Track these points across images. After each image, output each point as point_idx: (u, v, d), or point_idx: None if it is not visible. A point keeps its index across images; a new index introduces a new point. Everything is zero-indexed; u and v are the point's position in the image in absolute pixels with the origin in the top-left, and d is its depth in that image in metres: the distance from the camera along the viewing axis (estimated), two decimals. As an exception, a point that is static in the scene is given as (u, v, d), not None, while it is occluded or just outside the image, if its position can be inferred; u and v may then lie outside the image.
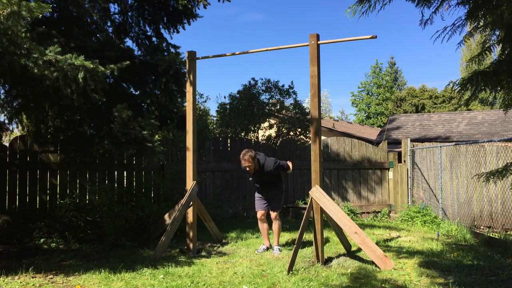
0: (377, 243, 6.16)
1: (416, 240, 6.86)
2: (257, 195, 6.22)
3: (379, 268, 4.92)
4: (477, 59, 4.60)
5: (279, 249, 6.03)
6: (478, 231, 6.87)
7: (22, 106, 6.18)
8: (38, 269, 4.87)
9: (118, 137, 5.93)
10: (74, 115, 6.25)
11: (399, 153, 10.12)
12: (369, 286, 4.27)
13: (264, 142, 11.78)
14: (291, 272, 4.77)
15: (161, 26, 7.74)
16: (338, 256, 5.67)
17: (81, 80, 4.77)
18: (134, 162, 8.00)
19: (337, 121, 28.96)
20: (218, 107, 12.96)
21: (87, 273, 4.72)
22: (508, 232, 6.77)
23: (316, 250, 5.27)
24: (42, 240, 6.51)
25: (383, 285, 4.33)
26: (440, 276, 4.58)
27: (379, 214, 9.85)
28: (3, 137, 7.29)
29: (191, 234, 6.02)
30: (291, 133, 12.12)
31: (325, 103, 49.14)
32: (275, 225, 6.09)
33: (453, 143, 8.20)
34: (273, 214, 6.09)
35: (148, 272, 4.83)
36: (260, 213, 6.16)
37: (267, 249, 6.11)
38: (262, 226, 6.20)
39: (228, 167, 9.22)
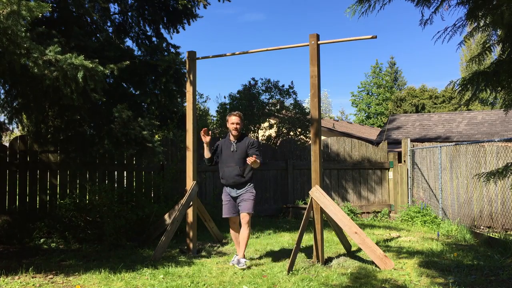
0: (377, 243, 6.16)
1: (416, 240, 6.86)
2: (225, 198, 5.36)
3: (379, 268, 4.92)
4: (477, 59, 4.60)
5: (244, 261, 5.08)
6: (478, 231, 6.87)
7: (22, 106, 6.18)
8: (38, 269, 4.87)
9: (118, 137, 5.93)
10: (74, 115, 6.25)
11: (399, 153, 10.13)
12: (369, 286, 4.26)
13: (264, 142, 11.79)
14: (291, 272, 4.77)
15: (161, 26, 7.74)
16: (338, 256, 5.66)
17: (80, 79, 4.76)
18: (134, 162, 8.00)
19: (337, 121, 28.97)
20: (218, 107, 12.98)
21: (87, 273, 4.72)
22: (508, 232, 6.77)
23: (316, 250, 5.27)
24: (42, 240, 6.51)
25: (383, 285, 4.33)
26: (440, 276, 4.58)
27: (379, 214, 9.86)
28: (3, 137, 7.28)
29: (191, 234, 6.02)
30: (291, 133, 12.12)
31: (325, 103, 49.17)
32: (245, 231, 5.18)
33: (453, 143, 8.20)
34: (245, 217, 5.15)
35: (148, 272, 4.83)
36: (232, 220, 5.36)
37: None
38: (235, 234, 5.40)
39: (228, 167, 9.20)
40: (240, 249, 5.22)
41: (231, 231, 5.46)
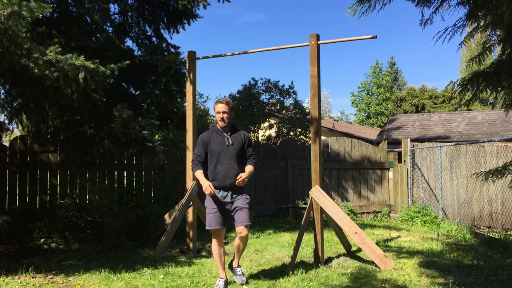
0: (377, 243, 6.17)
1: (416, 240, 6.87)
2: (212, 204, 4.27)
3: (379, 268, 4.93)
4: (477, 59, 4.60)
5: (242, 271, 4.53)
6: (478, 231, 6.88)
7: (22, 106, 6.18)
8: (38, 269, 4.87)
9: (119, 137, 5.93)
10: (74, 115, 6.25)
11: (399, 153, 10.13)
12: (369, 286, 4.27)
13: (264, 142, 11.79)
14: (291, 272, 4.77)
15: (161, 26, 7.74)
16: (338, 256, 5.67)
17: (81, 80, 4.77)
18: (134, 162, 8.00)
19: (337, 121, 28.96)
20: (218, 107, 12.95)
21: (87, 273, 4.72)
22: (508, 232, 6.77)
23: (316, 250, 5.27)
24: (42, 240, 6.51)
25: (383, 285, 4.33)
26: (440, 276, 4.58)
27: (379, 214, 9.86)
28: (3, 137, 7.28)
29: (191, 234, 6.02)
30: (291, 133, 12.12)
31: (325, 103, 49.17)
32: (245, 242, 4.37)
33: (453, 143, 8.21)
34: (245, 231, 4.21)
35: (148, 272, 4.83)
36: (217, 232, 4.29)
37: (227, 282, 4.32)
38: (220, 251, 4.35)
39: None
40: (237, 256, 4.50)
41: (215, 246, 4.37)
